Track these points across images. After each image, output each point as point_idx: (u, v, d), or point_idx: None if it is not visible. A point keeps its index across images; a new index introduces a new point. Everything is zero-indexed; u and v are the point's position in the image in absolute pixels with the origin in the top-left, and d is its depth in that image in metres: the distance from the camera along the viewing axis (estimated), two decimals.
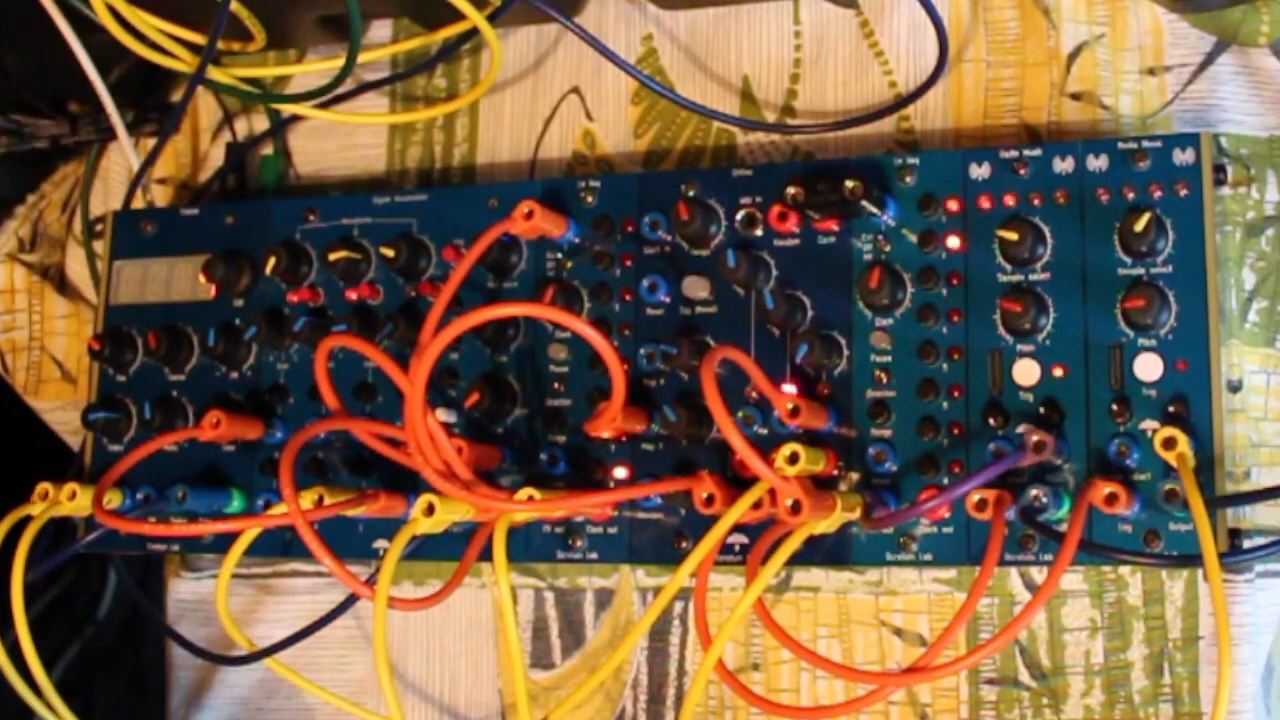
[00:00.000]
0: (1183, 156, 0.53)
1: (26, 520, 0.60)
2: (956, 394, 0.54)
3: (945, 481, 0.54)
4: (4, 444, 0.77)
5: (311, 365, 0.59)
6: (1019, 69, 0.59)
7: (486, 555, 0.55)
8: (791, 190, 0.56)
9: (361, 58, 0.65)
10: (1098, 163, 0.54)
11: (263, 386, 0.64)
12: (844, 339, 0.56)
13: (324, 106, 0.67)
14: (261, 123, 0.71)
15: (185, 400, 0.65)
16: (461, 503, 0.55)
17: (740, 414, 0.56)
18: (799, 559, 0.52)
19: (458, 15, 0.62)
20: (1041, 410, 0.53)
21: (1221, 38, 0.57)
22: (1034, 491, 0.51)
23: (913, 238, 0.56)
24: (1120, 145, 0.53)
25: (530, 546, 0.59)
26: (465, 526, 0.58)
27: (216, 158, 0.71)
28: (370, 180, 0.69)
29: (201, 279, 0.64)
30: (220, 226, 0.66)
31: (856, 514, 0.54)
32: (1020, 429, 0.53)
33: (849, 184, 0.54)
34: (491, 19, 0.61)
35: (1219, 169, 0.53)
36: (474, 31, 0.63)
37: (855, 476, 0.55)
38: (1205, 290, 0.52)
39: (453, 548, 0.59)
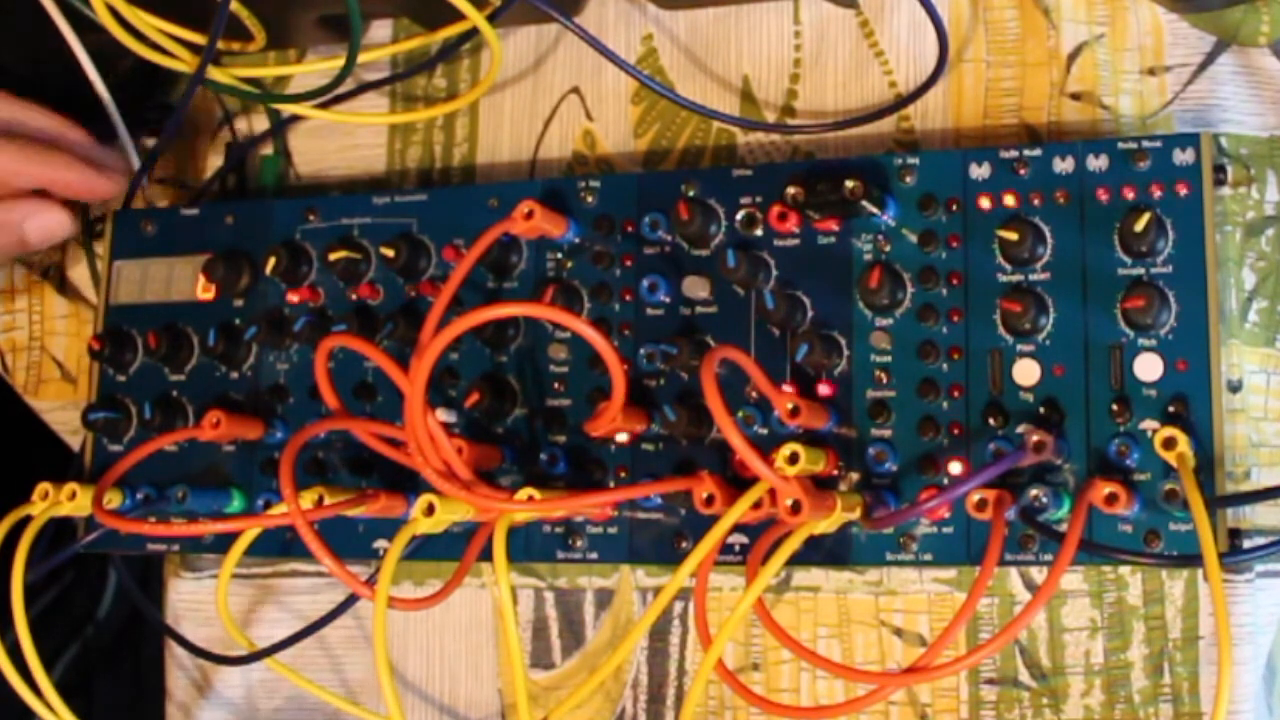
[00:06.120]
0: (1183, 156, 0.53)
1: (26, 520, 0.60)
2: (956, 394, 0.54)
3: (945, 481, 0.54)
4: (4, 444, 0.77)
5: (311, 365, 0.59)
6: (1019, 69, 0.59)
7: (486, 555, 0.55)
8: (791, 190, 0.56)
9: (361, 58, 0.65)
10: (1098, 163, 0.54)
11: (263, 386, 0.64)
12: (844, 339, 0.56)
13: (324, 106, 0.67)
14: (261, 123, 0.71)
15: (185, 400, 0.65)
16: (461, 503, 0.55)
17: (740, 414, 0.56)
18: (799, 559, 0.52)
19: (458, 15, 0.62)
20: (1041, 410, 0.53)
21: (1221, 38, 0.57)
22: (1034, 491, 0.51)
23: (913, 238, 0.56)
24: (1120, 145, 0.53)
25: (530, 546, 0.59)
26: (465, 526, 0.58)
27: (216, 158, 0.71)
28: (370, 180, 0.69)
29: (201, 280, 0.64)
30: (220, 226, 0.66)
31: (856, 514, 0.54)
32: (1020, 429, 0.53)
33: (849, 184, 0.54)
34: (491, 19, 0.61)
35: (1219, 169, 0.53)
36: (474, 31, 0.63)
37: (855, 476, 0.55)
38: (1205, 290, 0.52)
39: (453, 548, 0.59)
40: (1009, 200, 0.54)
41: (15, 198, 0.61)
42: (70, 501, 0.61)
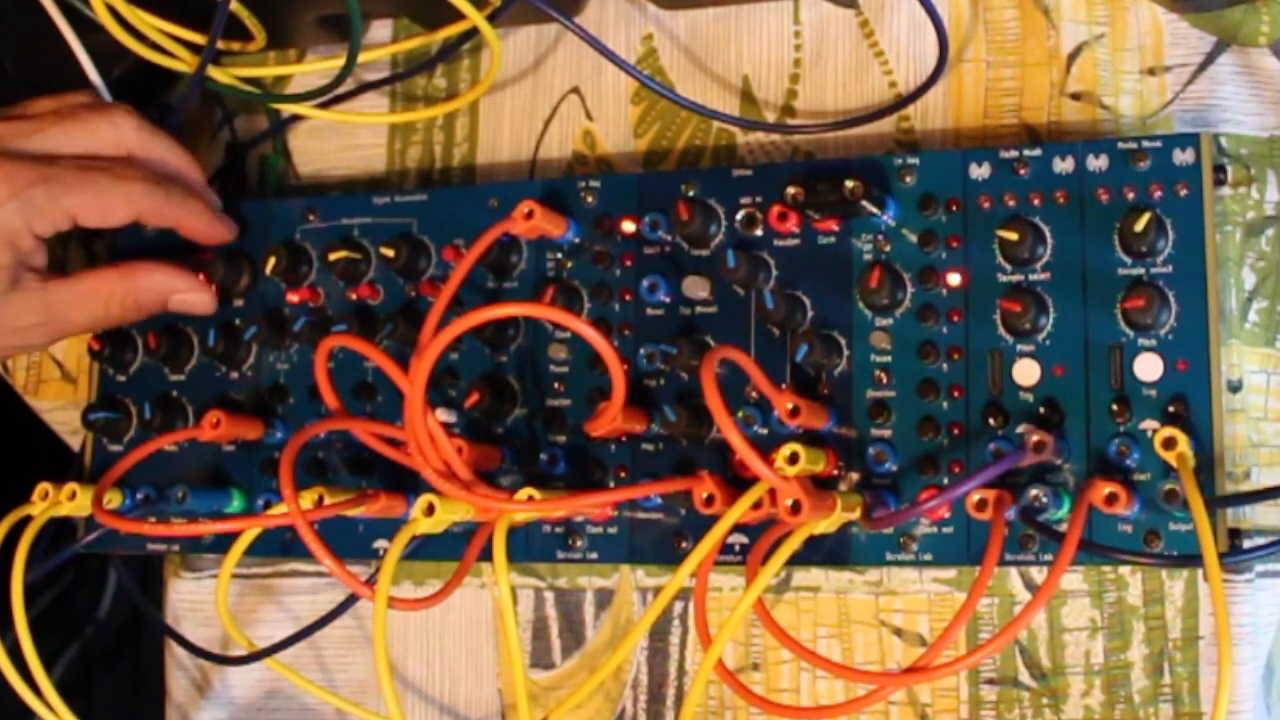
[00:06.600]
0: (1183, 156, 0.53)
1: (26, 520, 0.60)
2: (956, 394, 0.54)
3: (945, 481, 0.54)
4: (4, 444, 0.77)
5: (311, 365, 0.59)
6: (1019, 69, 0.59)
7: (486, 555, 0.55)
8: (791, 190, 0.56)
9: (361, 58, 0.65)
10: (1098, 163, 0.54)
11: (263, 386, 0.64)
12: (844, 339, 0.56)
13: (324, 106, 0.67)
14: (261, 123, 0.71)
15: (185, 400, 0.65)
16: (461, 503, 0.55)
17: (740, 414, 0.56)
18: (799, 559, 0.52)
19: (458, 15, 0.62)
20: (1041, 410, 0.53)
21: (1221, 38, 0.57)
22: (1034, 491, 0.51)
23: (913, 238, 0.56)
24: (1120, 145, 0.53)
25: (530, 546, 0.59)
26: (465, 526, 0.58)
27: (216, 158, 0.71)
28: (370, 180, 0.69)
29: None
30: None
31: (856, 514, 0.54)
32: (1020, 429, 0.53)
33: (849, 184, 0.54)
34: (491, 19, 0.61)
35: (1219, 169, 0.53)
36: (474, 31, 0.63)
37: (855, 476, 0.55)
38: (1205, 290, 0.52)
39: (453, 548, 0.59)
40: (1009, 200, 0.54)
41: (179, 269, 0.63)
42: (70, 501, 0.61)
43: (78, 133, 0.60)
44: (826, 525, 0.52)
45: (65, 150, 0.60)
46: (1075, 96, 0.58)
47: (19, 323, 0.60)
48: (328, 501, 0.56)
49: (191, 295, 0.63)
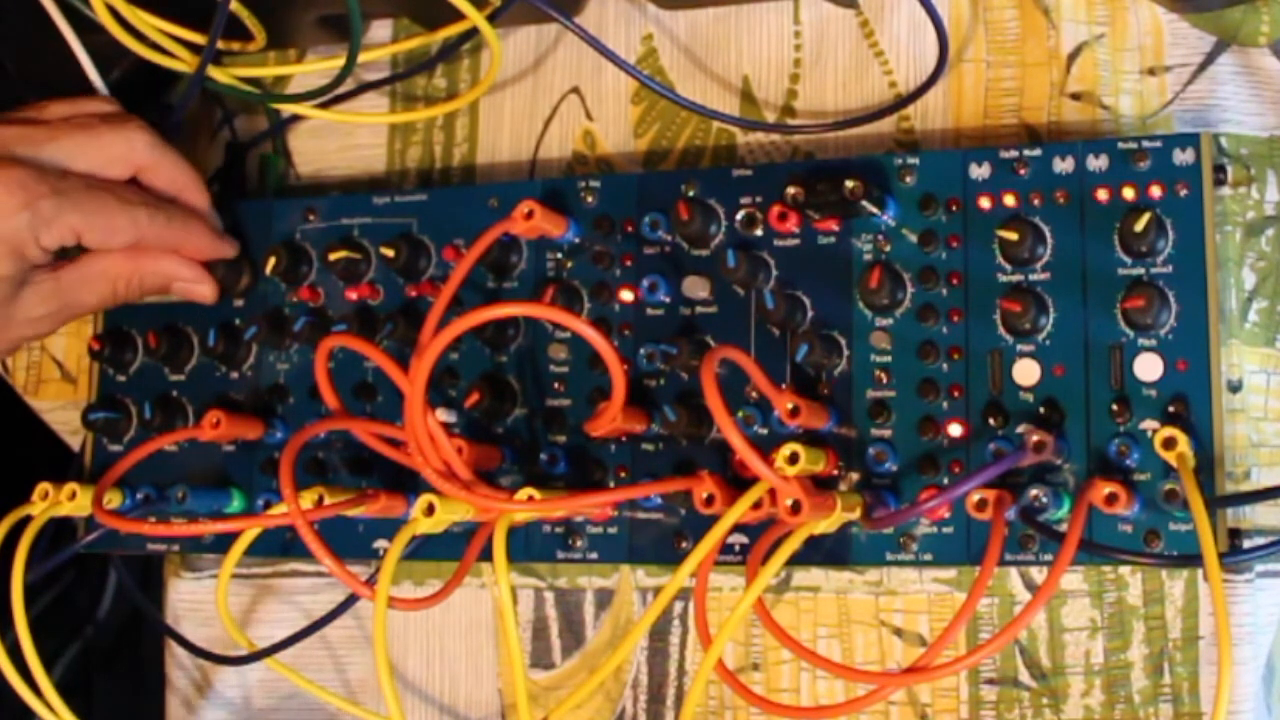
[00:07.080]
0: (1183, 156, 0.53)
1: (26, 520, 0.61)
2: (956, 394, 0.54)
3: (945, 481, 0.54)
4: (4, 444, 0.77)
5: (311, 365, 0.59)
6: (1019, 69, 0.60)
7: (486, 555, 0.55)
8: (791, 190, 0.56)
9: (361, 58, 0.65)
10: (1098, 163, 0.54)
11: (263, 386, 0.64)
12: (844, 339, 0.56)
13: (324, 106, 0.67)
14: (261, 123, 0.71)
15: (185, 400, 0.65)
16: (461, 503, 0.55)
17: (740, 414, 0.56)
18: (799, 559, 0.52)
19: (458, 15, 0.62)
20: (1041, 410, 0.53)
21: (1221, 38, 0.57)
22: (1034, 491, 0.51)
23: (913, 238, 0.56)
24: (1120, 145, 0.53)
25: (530, 546, 0.59)
26: (465, 526, 0.58)
27: (216, 158, 0.71)
28: (370, 180, 0.69)
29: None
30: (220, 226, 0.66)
31: (856, 514, 0.54)
32: (1020, 429, 0.53)
33: (849, 184, 0.54)
34: (491, 19, 0.61)
35: (1219, 169, 0.53)
36: (474, 31, 0.63)
37: (855, 476, 0.55)
38: (1205, 290, 0.52)
39: (453, 548, 0.59)
40: (1009, 200, 0.54)
41: (184, 259, 0.64)
42: (70, 501, 0.61)
43: (90, 146, 0.61)
44: (826, 525, 0.52)
45: (77, 164, 0.60)
46: (1075, 96, 0.58)
47: (33, 314, 0.61)
48: (328, 501, 0.56)
49: (195, 286, 0.63)
